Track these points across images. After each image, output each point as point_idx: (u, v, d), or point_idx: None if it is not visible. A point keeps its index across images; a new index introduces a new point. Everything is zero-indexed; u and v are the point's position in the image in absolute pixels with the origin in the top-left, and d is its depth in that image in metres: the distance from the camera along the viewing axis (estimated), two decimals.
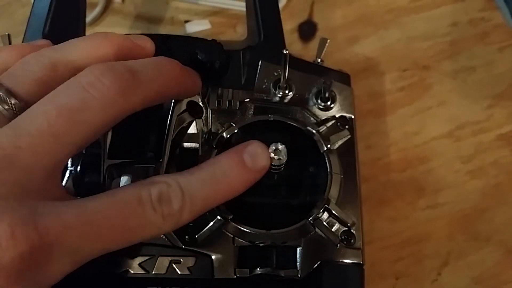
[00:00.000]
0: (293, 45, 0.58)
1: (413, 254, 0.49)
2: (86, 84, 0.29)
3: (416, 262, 0.49)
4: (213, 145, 0.40)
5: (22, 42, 0.44)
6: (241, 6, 0.56)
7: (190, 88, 0.37)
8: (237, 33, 0.59)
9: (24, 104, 0.30)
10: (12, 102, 0.29)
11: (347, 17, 0.60)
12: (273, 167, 0.35)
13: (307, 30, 0.59)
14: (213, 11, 0.60)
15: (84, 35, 0.47)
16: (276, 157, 0.34)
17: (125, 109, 0.30)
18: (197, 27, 0.59)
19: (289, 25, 0.59)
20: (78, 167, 0.37)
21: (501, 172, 0.53)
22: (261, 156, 0.33)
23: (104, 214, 0.28)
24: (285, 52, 0.40)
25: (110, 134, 0.36)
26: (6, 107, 0.29)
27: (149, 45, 0.36)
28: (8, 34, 0.45)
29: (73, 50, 0.33)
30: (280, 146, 0.34)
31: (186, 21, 0.60)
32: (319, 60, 0.46)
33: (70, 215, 0.27)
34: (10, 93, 0.30)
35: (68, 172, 0.37)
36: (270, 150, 0.34)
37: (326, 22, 0.60)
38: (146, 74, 0.31)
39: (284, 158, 0.34)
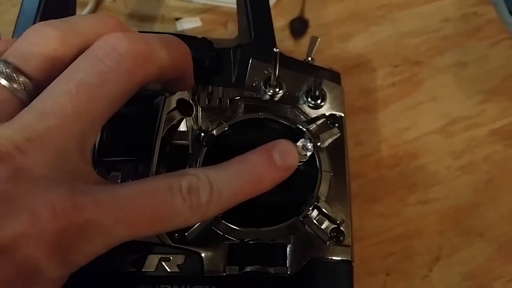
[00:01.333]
0: (285, 42, 0.58)
1: (404, 250, 0.49)
2: (102, 56, 0.29)
3: (407, 258, 0.49)
4: (203, 143, 0.40)
5: None
6: (232, 3, 0.56)
7: (190, 78, 0.37)
8: (228, 31, 0.59)
9: (35, 82, 0.30)
10: (21, 80, 0.29)
11: (338, 14, 0.60)
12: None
13: (299, 26, 0.59)
14: (204, 8, 0.60)
15: None
16: (303, 152, 0.35)
17: (142, 79, 0.30)
18: (188, 24, 0.59)
19: (280, 22, 0.59)
20: None
21: (493, 168, 0.53)
22: (290, 155, 0.33)
23: (135, 200, 0.28)
24: (275, 51, 0.40)
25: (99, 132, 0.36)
26: (15, 85, 0.29)
27: None
28: None
29: (81, 22, 0.32)
30: (308, 144, 0.36)
31: (177, 19, 0.60)
32: (309, 58, 0.46)
33: (105, 197, 0.27)
34: (18, 70, 0.29)
35: None
36: (298, 144, 0.35)
37: (317, 18, 0.60)
38: (160, 44, 0.31)
39: (309, 154, 0.36)
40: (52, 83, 0.29)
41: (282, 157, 0.33)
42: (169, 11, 0.60)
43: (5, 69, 0.29)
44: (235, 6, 0.53)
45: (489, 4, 0.61)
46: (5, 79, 0.29)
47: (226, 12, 0.59)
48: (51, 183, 0.26)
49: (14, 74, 0.29)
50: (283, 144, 0.33)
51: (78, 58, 0.29)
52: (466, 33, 0.60)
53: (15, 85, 0.29)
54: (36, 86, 0.29)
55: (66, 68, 0.29)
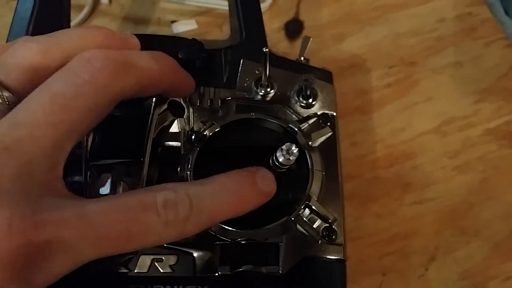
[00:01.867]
0: (280, 44, 0.58)
1: (400, 250, 0.49)
2: (77, 69, 0.29)
3: (403, 257, 0.49)
4: (195, 144, 0.40)
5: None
6: (227, 6, 0.57)
7: (184, 86, 0.38)
8: (223, 33, 0.59)
9: (18, 96, 0.29)
10: (6, 95, 0.29)
11: (333, 15, 0.60)
12: (282, 166, 0.37)
13: (294, 28, 0.60)
14: (199, 11, 0.60)
15: None
16: (288, 156, 0.36)
17: (118, 92, 0.30)
18: (183, 27, 0.59)
19: (275, 24, 0.59)
20: None
21: (488, 167, 0.53)
22: (270, 182, 0.34)
23: (105, 217, 0.27)
24: (265, 50, 0.40)
25: (91, 134, 0.36)
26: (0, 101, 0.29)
27: (136, 42, 0.37)
28: None
29: (65, 37, 0.33)
30: (293, 148, 0.36)
31: (173, 22, 0.60)
32: (302, 58, 0.46)
33: (70, 214, 0.26)
34: (2, 85, 0.29)
35: None
36: (284, 148, 0.36)
37: (312, 20, 0.60)
38: (140, 59, 0.32)
39: (293, 159, 0.36)
40: (27, 96, 0.29)
41: (264, 182, 0.33)
42: (164, 14, 0.60)
43: None
44: None
45: (484, 5, 0.61)
46: None
47: (221, 14, 0.59)
48: (12, 198, 0.26)
49: None
50: (264, 171, 0.34)
51: (57, 71, 0.30)
52: (461, 33, 0.60)
53: None
54: (20, 98, 0.29)
55: None
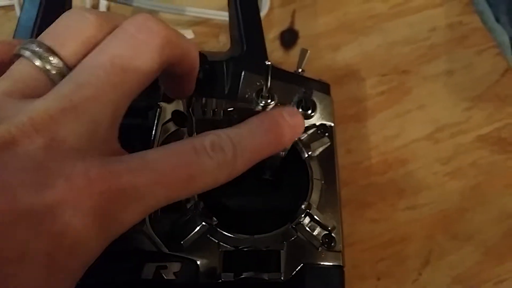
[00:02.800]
0: (275, 53, 0.59)
1: (395, 255, 0.50)
2: (134, 31, 0.29)
3: (397, 262, 0.50)
4: None
5: None
6: (224, 16, 0.58)
7: (190, 83, 0.38)
8: (220, 43, 0.60)
9: (70, 65, 0.29)
10: (55, 62, 0.29)
11: (328, 25, 0.61)
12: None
13: (289, 37, 0.60)
14: (196, 21, 0.61)
15: None
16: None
17: (169, 57, 0.31)
18: None
19: (271, 33, 0.60)
20: None
21: (480, 173, 0.54)
22: (297, 116, 0.34)
23: (167, 162, 0.28)
24: (267, 64, 0.41)
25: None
26: (48, 66, 0.29)
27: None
28: None
29: (117, 16, 0.32)
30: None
31: None
32: (300, 70, 0.47)
33: (136, 163, 0.27)
34: (53, 52, 0.29)
35: None
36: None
37: (307, 29, 0.61)
38: (179, 33, 0.32)
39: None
40: (86, 57, 0.29)
41: (292, 117, 0.34)
42: None
43: (39, 50, 0.29)
44: (226, 18, 0.54)
45: (474, 13, 0.63)
46: (38, 59, 0.29)
47: (218, 24, 0.60)
48: (84, 153, 0.26)
49: (48, 55, 0.29)
50: (289, 108, 0.35)
51: (110, 35, 0.30)
52: (453, 42, 0.61)
53: (48, 66, 0.29)
54: (69, 67, 0.29)
55: None
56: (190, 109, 0.42)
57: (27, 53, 0.29)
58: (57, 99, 0.27)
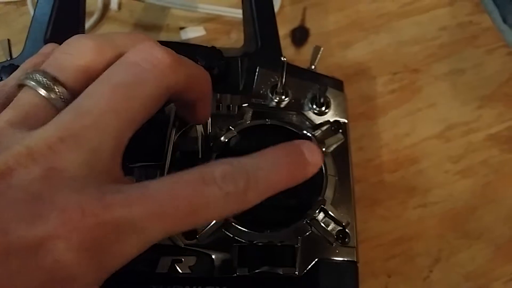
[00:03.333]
0: (286, 50, 0.59)
1: (405, 252, 0.50)
2: (139, 59, 0.29)
3: (408, 260, 0.50)
4: (213, 149, 0.41)
5: (23, 48, 0.45)
6: (235, 13, 0.58)
7: (205, 110, 0.38)
8: (231, 39, 0.60)
9: (71, 91, 0.30)
10: (59, 90, 0.29)
11: (338, 23, 0.62)
12: None
13: (300, 35, 0.61)
14: (207, 18, 0.61)
15: None
16: None
17: (174, 83, 0.31)
18: (192, 33, 0.60)
19: (282, 31, 0.60)
20: None
21: (490, 172, 0.55)
22: (317, 152, 0.33)
23: (168, 193, 0.27)
24: (283, 60, 0.41)
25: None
26: (53, 95, 0.29)
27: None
28: (8, 40, 0.46)
29: (116, 36, 0.32)
30: None
31: (182, 28, 0.61)
32: (312, 67, 0.47)
33: (135, 194, 0.26)
34: (56, 81, 0.30)
35: None
36: None
37: (318, 27, 0.62)
38: (187, 60, 0.33)
39: None
40: (88, 87, 0.29)
41: (311, 153, 0.33)
42: (173, 21, 0.61)
43: (44, 79, 0.29)
44: (238, 15, 0.54)
45: (484, 13, 0.63)
46: (43, 89, 0.29)
47: (230, 21, 0.61)
48: (82, 183, 0.26)
49: (52, 84, 0.29)
50: (309, 143, 0.33)
51: (113, 64, 0.30)
52: (463, 41, 0.61)
53: (52, 95, 0.29)
54: (72, 95, 0.29)
55: None
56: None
57: (32, 83, 0.29)
58: (57, 128, 0.27)
